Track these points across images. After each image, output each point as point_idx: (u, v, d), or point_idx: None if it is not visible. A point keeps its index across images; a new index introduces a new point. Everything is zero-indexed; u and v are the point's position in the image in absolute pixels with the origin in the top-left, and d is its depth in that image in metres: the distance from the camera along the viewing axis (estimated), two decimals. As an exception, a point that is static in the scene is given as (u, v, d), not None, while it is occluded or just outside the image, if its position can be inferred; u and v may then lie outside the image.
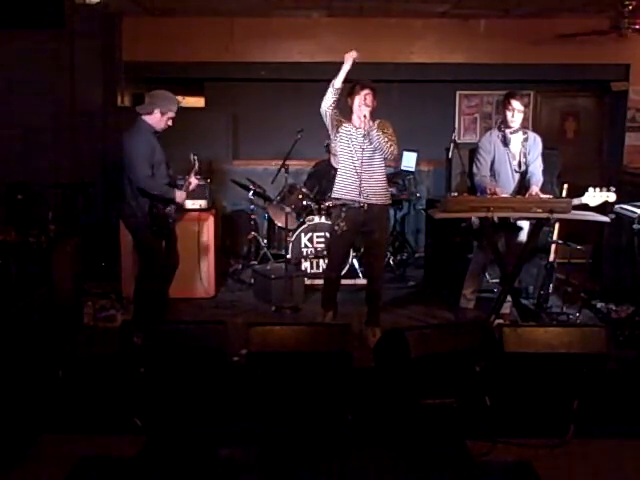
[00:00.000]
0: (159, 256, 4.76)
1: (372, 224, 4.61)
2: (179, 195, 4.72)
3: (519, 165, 4.98)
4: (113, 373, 3.74)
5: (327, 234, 5.82)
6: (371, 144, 4.49)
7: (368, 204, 4.54)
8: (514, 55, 7.11)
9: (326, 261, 4.79)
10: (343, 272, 5.31)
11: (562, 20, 6.89)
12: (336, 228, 4.63)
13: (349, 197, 4.56)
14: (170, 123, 4.63)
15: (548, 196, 4.84)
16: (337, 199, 4.67)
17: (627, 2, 5.57)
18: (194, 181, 4.84)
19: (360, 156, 4.47)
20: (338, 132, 4.57)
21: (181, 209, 5.03)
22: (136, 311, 4.87)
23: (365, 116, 4.43)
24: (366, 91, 4.45)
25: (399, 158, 4.46)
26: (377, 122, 4.55)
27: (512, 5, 6.44)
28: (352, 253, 5.93)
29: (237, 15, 6.92)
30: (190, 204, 5.59)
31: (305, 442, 3.33)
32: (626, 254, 5.32)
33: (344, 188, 4.59)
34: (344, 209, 4.60)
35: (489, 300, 5.30)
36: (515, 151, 4.98)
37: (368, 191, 4.52)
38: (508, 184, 5.00)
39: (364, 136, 4.44)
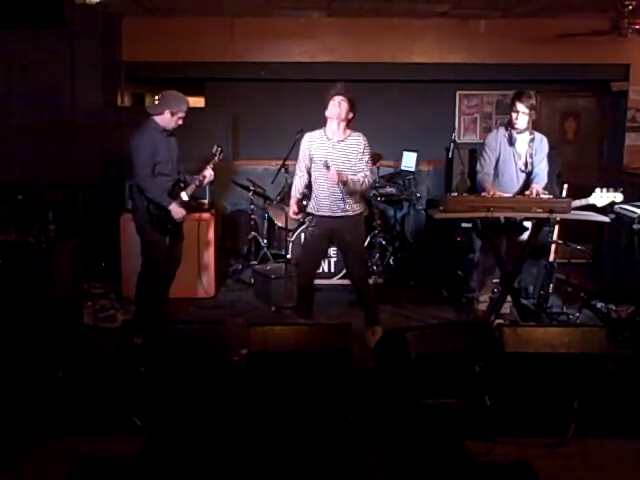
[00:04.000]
0: (159, 252, 4.76)
1: (343, 230, 4.55)
2: (175, 210, 4.67)
3: (525, 165, 4.96)
4: (113, 373, 3.75)
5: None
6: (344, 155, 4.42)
7: (340, 215, 4.50)
8: (514, 55, 7.11)
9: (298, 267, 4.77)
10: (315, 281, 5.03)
11: (562, 20, 6.90)
12: (308, 235, 4.63)
13: (321, 213, 4.52)
14: (180, 122, 4.72)
15: (548, 196, 4.84)
16: (311, 214, 4.64)
17: (627, 2, 5.57)
18: (209, 173, 4.78)
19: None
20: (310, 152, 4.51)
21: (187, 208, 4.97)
22: (137, 308, 4.87)
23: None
24: (340, 98, 4.35)
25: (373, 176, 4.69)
26: (351, 136, 4.44)
27: (512, 5, 6.44)
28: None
29: (237, 15, 6.92)
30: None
31: (305, 442, 3.33)
32: (626, 254, 5.31)
33: (317, 204, 4.54)
34: (316, 218, 4.58)
35: (489, 300, 5.30)
36: (521, 151, 4.96)
37: (340, 205, 4.44)
38: (512, 184, 4.99)
39: (334, 146, 4.41)
